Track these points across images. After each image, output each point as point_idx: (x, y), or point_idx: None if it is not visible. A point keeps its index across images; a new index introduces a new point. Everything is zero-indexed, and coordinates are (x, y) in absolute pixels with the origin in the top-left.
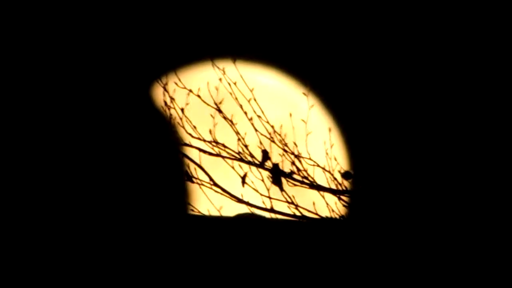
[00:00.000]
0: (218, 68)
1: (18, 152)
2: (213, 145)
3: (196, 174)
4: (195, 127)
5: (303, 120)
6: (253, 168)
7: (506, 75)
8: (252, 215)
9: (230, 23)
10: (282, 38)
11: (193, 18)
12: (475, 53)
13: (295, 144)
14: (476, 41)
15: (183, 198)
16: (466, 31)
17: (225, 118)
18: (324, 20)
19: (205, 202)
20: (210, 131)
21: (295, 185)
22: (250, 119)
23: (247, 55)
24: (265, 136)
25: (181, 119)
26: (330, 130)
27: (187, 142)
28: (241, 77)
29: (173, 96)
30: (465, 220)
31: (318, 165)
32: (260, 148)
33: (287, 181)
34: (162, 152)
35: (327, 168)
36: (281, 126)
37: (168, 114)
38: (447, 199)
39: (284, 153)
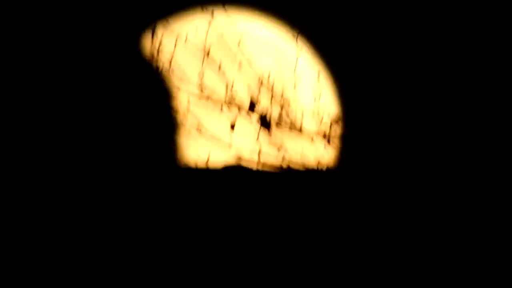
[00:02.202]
0: (206, 12)
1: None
2: (202, 90)
3: (185, 119)
4: (183, 72)
5: (292, 66)
6: (242, 113)
7: (505, 75)
8: (239, 167)
9: None
10: None
11: None
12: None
13: (283, 88)
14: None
15: (173, 145)
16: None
17: (213, 63)
18: None
19: (194, 148)
20: (200, 76)
21: (283, 130)
22: (239, 65)
23: (235, 2)
24: (253, 81)
25: (170, 64)
26: (319, 74)
27: (176, 87)
28: (230, 22)
29: (162, 42)
30: (460, 182)
31: (306, 110)
32: (249, 94)
33: (276, 125)
34: (151, 98)
35: (315, 113)
36: (270, 71)
37: (157, 61)
38: (440, 153)
39: (273, 97)
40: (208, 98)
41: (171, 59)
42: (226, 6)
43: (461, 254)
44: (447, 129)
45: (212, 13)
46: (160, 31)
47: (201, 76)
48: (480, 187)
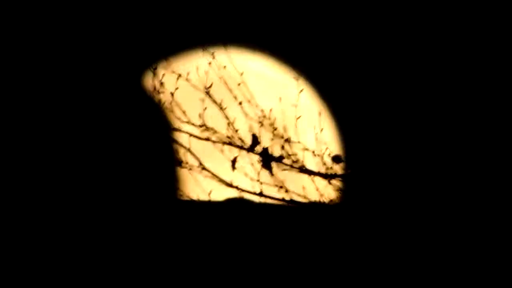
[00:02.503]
0: (208, 52)
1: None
2: (203, 130)
3: (186, 158)
4: (184, 112)
5: (293, 105)
6: (243, 152)
7: (501, 75)
8: (241, 199)
9: (220, 9)
10: (272, 24)
11: (185, 5)
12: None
13: (285, 128)
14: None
15: (173, 183)
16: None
17: (214, 102)
18: (313, 5)
19: (195, 187)
20: (200, 116)
21: (284, 169)
22: (240, 104)
23: (237, 41)
24: (254, 120)
25: (170, 104)
26: (320, 114)
27: (177, 127)
28: (231, 62)
29: (163, 82)
30: (461, 208)
31: (308, 149)
32: (250, 132)
33: (277, 165)
34: (152, 136)
35: (316, 152)
36: (271, 110)
37: (158, 99)
38: (439, 185)
39: (274, 137)
40: (209, 137)
41: (173, 98)
42: (227, 46)
43: (465, 273)
44: (449, 170)
45: (213, 53)
46: (161, 70)
47: (202, 115)
48: (482, 208)
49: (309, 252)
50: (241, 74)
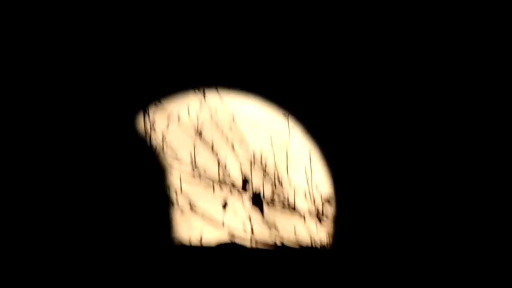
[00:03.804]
0: (198, 93)
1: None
2: (194, 169)
3: (177, 199)
4: (175, 151)
5: (284, 145)
6: (235, 193)
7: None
8: (233, 244)
9: (211, 53)
10: (262, 66)
11: (175, 47)
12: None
13: (275, 167)
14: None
15: (164, 223)
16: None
17: (205, 142)
18: (302, 47)
19: (186, 227)
20: (192, 156)
21: (276, 209)
22: (232, 146)
23: (227, 83)
24: (245, 160)
25: (162, 143)
26: (310, 153)
27: (168, 166)
28: (222, 103)
29: (155, 122)
30: (457, 242)
31: (298, 190)
32: (241, 173)
33: (268, 205)
34: (144, 177)
35: (308, 192)
36: (262, 151)
37: (150, 140)
38: (433, 226)
39: (265, 177)
40: (200, 177)
41: (164, 138)
42: (218, 88)
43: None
44: (448, 204)
45: (204, 94)
46: (152, 111)
47: (193, 155)
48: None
49: None
50: (233, 116)
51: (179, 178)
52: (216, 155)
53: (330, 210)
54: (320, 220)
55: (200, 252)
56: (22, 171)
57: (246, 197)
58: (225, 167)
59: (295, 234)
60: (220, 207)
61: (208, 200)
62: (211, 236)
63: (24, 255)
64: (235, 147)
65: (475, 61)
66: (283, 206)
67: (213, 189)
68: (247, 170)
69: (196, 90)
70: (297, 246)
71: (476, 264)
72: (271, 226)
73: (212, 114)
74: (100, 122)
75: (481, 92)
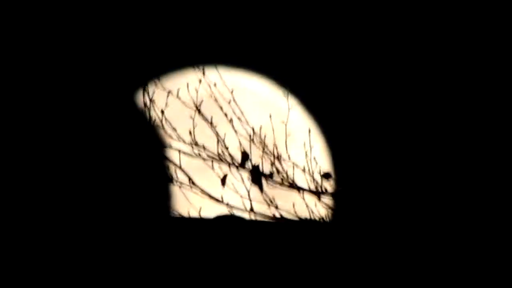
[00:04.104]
0: (198, 70)
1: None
2: (193, 147)
3: (176, 175)
4: (175, 129)
5: (283, 122)
6: (233, 169)
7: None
8: (232, 216)
9: (211, 29)
10: (261, 41)
11: (176, 24)
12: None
13: (275, 145)
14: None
15: (164, 199)
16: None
17: (205, 119)
18: (302, 21)
19: (185, 203)
20: (190, 133)
21: (274, 186)
22: (230, 121)
23: (227, 59)
24: (244, 137)
25: (161, 121)
26: (310, 131)
27: (167, 144)
28: (221, 79)
29: (154, 99)
30: (456, 221)
31: (297, 166)
32: (240, 150)
33: (267, 182)
34: (143, 154)
35: (306, 169)
36: (261, 127)
37: (149, 117)
38: (430, 199)
39: (264, 154)
40: (199, 154)
41: (163, 115)
42: (217, 65)
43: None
44: (439, 183)
45: (203, 71)
46: (151, 88)
47: (193, 131)
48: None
49: (299, 269)
50: (232, 91)
51: (178, 155)
52: (215, 131)
53: (328, 186)
54: (319, 195)
55: (199, 224)
56: (21, 146)
57: (245, 173)
58: (224, 143)
59: (294, 209)
60: (219, 183)
61: (207, 176)
62: (210, 211)
63: (23, 224)
64: (234, 123)
65: (474, 60)
66: (282, 181)
67: (212, 165)
68: (246, 147)
69: (196, 67)
70: (295, 221)
71: (468, 241)
72: (270, 202)
73: (211, 91)
74: (100, 99)
75: (481, 92)
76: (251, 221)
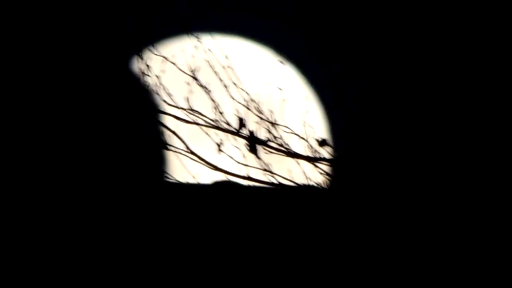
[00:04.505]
0: (193, 36)
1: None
2: (189, 113)
3: (173, 141)
4: (170, 94)
5: (279, 88)
6: (229, 136)
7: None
8: (229, 182)
9: None
10: (257, 10)
11: None
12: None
13: (271, 111)
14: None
15: (159, 165)
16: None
17: (201, 85)
18: None
19: (181, 170)
20: (187, 99)
21: (271, 152)
22: (226, 87)
23: (223, 26)
24: (241, 103)
25: (157, 86)
26: (306, 98)
27: (163, 109)
28: (217, 46)
29: (149, 66)
30: (449, 195)
31: (294, 133)
32: (236, 115)
33: (263, 148)
34: (138, 119)
35: (303, 136)
36: (257, 95)
37: (144, 82)
38: (429, 171)
39: (260, 120)
40: (195, 121)
41: (158, 82)
42: (213, 32)
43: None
44: (435, 154)
45: (199, 38)
46: (147, 55)
47: (189, 99)
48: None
49: (296, 235)
50: (228, 60)
51: (174, 122)
52: (212, 99)
53: (325, 152)
54: (314, 162)
55: (196, 189)
56: (22, 125)
57: (242, 141)
58: (221, 111)
59: (290, 176)
60: (215, 149)
61: (203, 143)
62: (207, 178)
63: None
64: (231, 91)
65: (474, 60)
66: (278, 149)
67: (208, 131)
68: (242, 114)
69: (191, 35)
70: (292, 187)
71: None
72: (266, 168)
73: (207, 58)
74: (95, 67)
75: (482, 92)
76: (248, 187)
